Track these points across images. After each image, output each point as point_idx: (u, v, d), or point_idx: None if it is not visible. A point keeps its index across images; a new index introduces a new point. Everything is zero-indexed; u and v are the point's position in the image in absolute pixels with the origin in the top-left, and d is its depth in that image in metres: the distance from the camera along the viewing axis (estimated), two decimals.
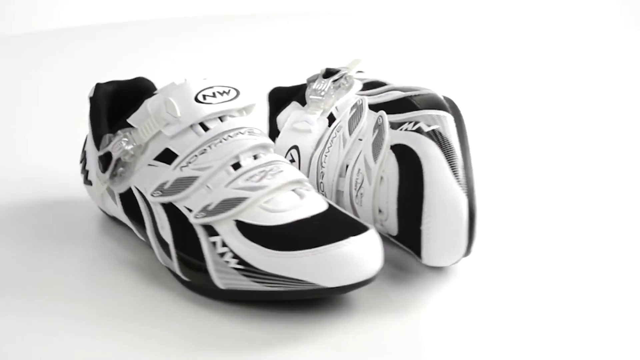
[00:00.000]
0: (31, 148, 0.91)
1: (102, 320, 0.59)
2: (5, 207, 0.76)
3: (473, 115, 0.81)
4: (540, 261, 0.67)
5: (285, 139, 0.71)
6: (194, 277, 0.61)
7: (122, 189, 0.67)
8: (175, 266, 0.62)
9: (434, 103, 0.64)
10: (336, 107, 0.70)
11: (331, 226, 0.59)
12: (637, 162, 0.89)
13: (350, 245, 0.57)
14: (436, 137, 0.61)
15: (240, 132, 0.64)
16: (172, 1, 1.89)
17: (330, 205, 0.62)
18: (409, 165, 0.62)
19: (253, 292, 0.58)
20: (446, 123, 0.62)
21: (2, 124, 0.99)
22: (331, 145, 0.68)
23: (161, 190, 0.63)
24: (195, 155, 0.63)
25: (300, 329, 0.58)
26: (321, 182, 0.68)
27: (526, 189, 0.80)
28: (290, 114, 0.72)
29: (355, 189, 0.65)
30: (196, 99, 0.65)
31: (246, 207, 0.60)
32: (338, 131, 0.68)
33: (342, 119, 0.68)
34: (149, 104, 0.66)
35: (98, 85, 0.72)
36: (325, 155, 0.68)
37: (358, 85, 0.71)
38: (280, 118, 0.74)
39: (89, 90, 0.71)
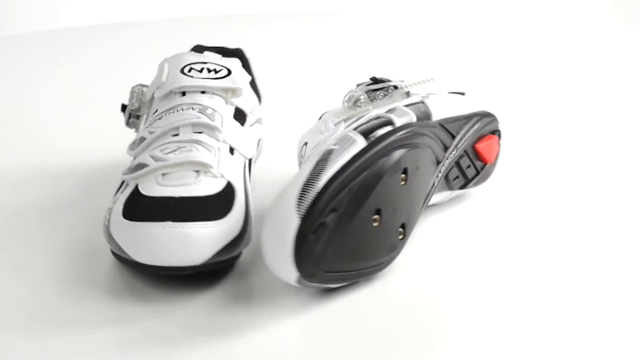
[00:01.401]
0: (31, 148, 0.91)
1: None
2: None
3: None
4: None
5: (305, 133, 0.72)
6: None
7: None
8: None
9: (370, 128, 0.62)
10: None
11: (174, 207, 0.60)
12: (637, 162, 0.89)
13: (163, 229, 0.58)
14: (322, 155, 0.59)
15: (192, 108, 0.68)
16: (172, 1, 1.89)
17: (219, 193, 0.62)
18: None
19: (111, 250, 0.62)
20: (346, 146, 0.59)
21: (1, 124, 0.99)
22: (316, 149, 0.68)
23: (132, 145, 0.68)
24: (155, 120, 0.68)
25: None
26: None
27: (522, 189, 0.80)
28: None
29: None
30: (182, 70, 0.70)
31: (144, 174, 0.63)
32: (329, 138, 0.67)
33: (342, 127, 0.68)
34: (159, 66, 0.72)
35: (196, 47, 0.78)
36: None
37: (408, 101, 0.70)
38: (323, 114, 0.74)
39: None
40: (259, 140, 0.77)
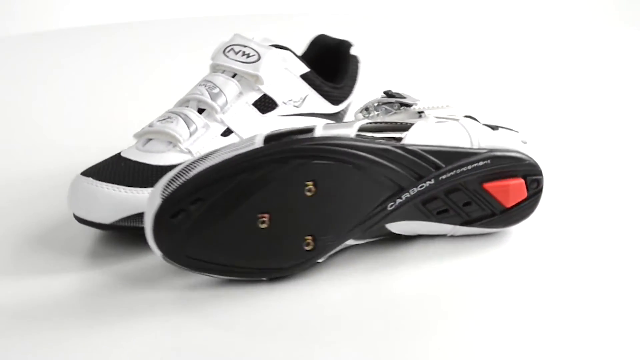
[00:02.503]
0: (31, 148, 0.91)
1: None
2: None
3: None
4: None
5: None
6: None
7: None
8: None
9: (284, 133, 0.61)
10: None
11: (116, 168, 0.65)
12: (637, 162, 0.88)
13: (83, 184, 0.64)
14: (217, 148, 0.60)
15: (204, 85, 0.72)
16: (172, 1, 1.89)
17: (171, 165, 0.65)
18: None
19: None
20: (241, 144, 0.60)
21: (1, 124, 0.99)
22: None
23: None
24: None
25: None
26: None
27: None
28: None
29: None
30: (224, 49, 0.74)
31: (138, 135, 0.70)
32: None
33: None
34: None
35: (320, 36, 0.84)
36: None
37: (398, 120, 0.68)
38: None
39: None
40: None
